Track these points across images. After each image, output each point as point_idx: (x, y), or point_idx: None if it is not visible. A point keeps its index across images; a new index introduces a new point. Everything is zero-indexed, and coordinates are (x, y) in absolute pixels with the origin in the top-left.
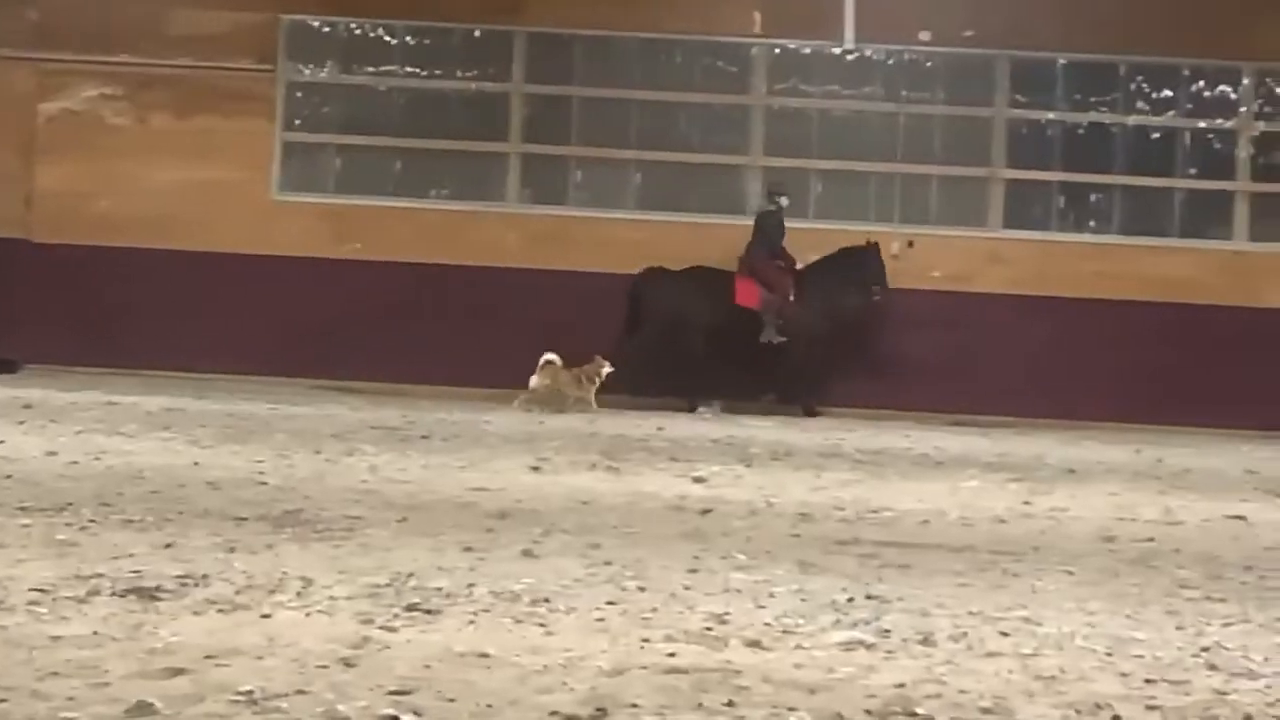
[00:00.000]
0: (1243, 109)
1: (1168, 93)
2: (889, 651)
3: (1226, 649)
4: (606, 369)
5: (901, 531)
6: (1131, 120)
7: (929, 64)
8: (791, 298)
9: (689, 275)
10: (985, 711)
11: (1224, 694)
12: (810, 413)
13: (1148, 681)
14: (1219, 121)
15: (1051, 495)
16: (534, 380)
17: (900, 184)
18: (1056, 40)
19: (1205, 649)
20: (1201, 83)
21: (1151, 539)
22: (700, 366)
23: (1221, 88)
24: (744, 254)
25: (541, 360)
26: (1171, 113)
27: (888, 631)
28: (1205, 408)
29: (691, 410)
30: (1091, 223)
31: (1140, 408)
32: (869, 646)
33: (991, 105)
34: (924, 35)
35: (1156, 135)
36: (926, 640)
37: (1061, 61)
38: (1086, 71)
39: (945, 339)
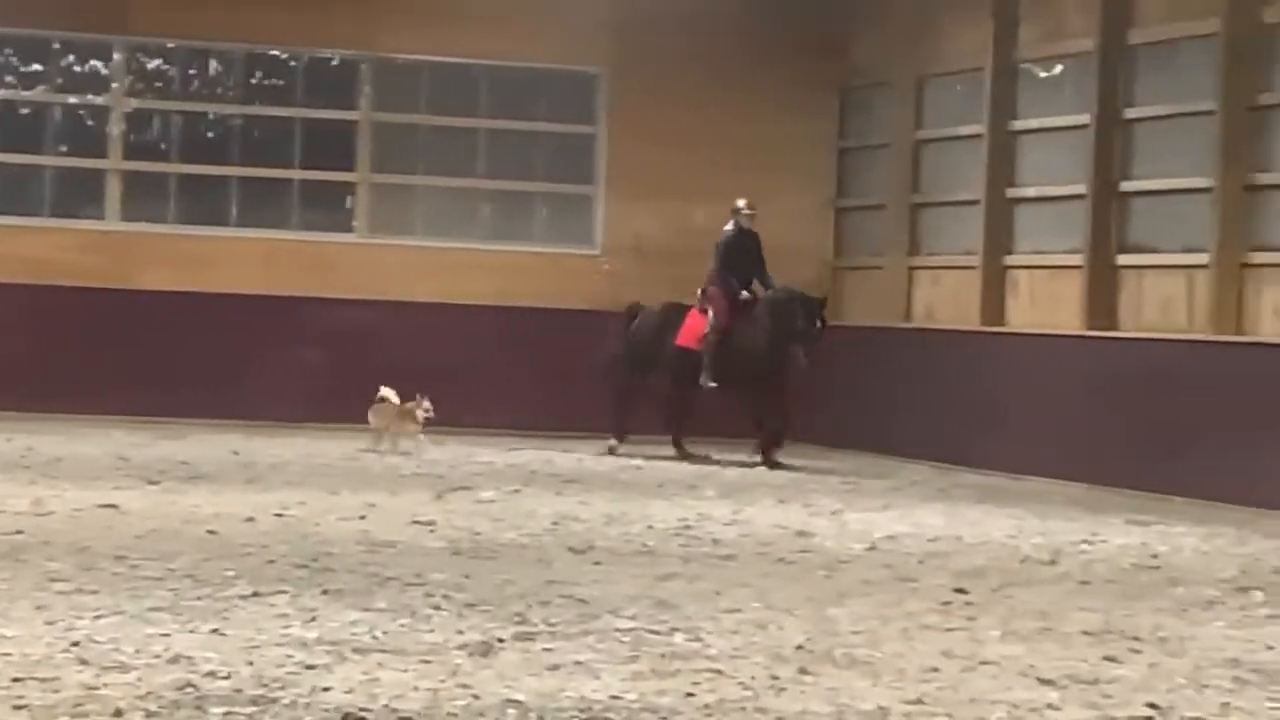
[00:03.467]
0: (115, 85)
1: (38, 66)
2: None
3: (98, 642)
4: (425, 407)
5: None
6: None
7: None
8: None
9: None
10: None
11: (95, 689)
12: (771, 464)
13: (16, 680)
14: (91, 97)
15: None
16: (370, 415)
17: None
18: None
19: (76, 643)
20: (73, 57)
21: (21, 531)
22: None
23: (93, 63)
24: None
25: (377, 395)
26: (42, 87)
27: None
28: (74, 391)
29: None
30: None
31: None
32: None
33: None
34: None
35: (27, 110)
36: None
37: None
38: None
39: None
